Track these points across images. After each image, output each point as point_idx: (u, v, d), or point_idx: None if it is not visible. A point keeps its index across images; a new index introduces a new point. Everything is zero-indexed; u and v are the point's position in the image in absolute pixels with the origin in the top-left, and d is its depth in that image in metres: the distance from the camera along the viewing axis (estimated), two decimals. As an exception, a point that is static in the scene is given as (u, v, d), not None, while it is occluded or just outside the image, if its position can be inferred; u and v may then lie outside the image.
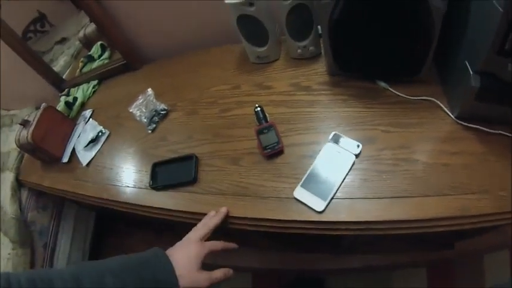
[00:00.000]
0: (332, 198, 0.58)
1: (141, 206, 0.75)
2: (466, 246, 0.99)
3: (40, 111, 0.96)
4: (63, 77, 1.29)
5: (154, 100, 0.92)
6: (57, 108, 1.07)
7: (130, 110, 0.93)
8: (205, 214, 0.63)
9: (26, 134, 0.92)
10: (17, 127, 0.97)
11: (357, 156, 0.61)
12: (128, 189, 0.80)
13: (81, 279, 0.45)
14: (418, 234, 0.54)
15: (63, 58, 1.33)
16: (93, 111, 1.08)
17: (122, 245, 1.43)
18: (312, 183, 0.60)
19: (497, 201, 0.50)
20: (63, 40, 1.31)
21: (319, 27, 0.74)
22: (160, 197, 0.73)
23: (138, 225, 1.38)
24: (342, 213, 0.56)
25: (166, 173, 0.76)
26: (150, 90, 0.94)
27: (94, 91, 1.18)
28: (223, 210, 0.62)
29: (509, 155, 0.54)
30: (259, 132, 0.67)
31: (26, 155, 1.11)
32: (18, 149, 1.07)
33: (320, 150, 0.64)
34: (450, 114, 0.61)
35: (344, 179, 0.59)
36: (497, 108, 0.54)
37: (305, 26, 0.75)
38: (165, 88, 0.97)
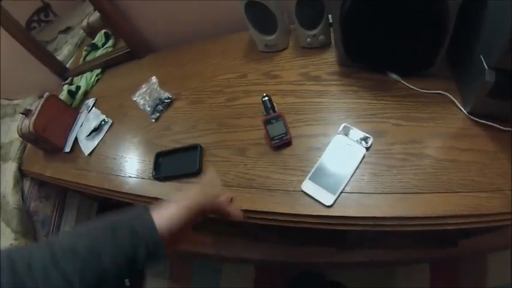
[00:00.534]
0: (341, 192, 0.56)
1: (144, 197, 0.74)
2: (470, 244, 0.98)
3: (42, 100, 0.95)
4: (67, 66, 1.28)
5: (158, 88, 0.90)
6: (59, 97, 1.06)
7: (134, 99, 0.91)
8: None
9: (28, 123, 0.91)
10: (20, 117, 0.96)
11: (367, 149, 0.60)
12: (131, 180, 0.78)
13: (54, 244, 0.40)
14: (426, 231, 0.53)
15: (66, 47, 1.32)
16: (96, 100, 1.07)
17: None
18: (321, 176, 0.59)
19: (508, 201, 0.49)
20: (67, 29, 1.30)
21: (329, 16, 0.71)
22: (164, 188, 0.72)
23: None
24: (351, 208, 0.55)
25: (170, 164, 0.75)
26: (154, 79, 0.92)
27: (97, 80, 1.16)
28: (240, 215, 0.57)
29: (521, 154, 0.53)
30: (267, 122, 0.65)
31: (28, 144, 1.10)
32: (21, 139, 1.06)
33: (329, 142, 0.62)
34: (462, 109, 0.59)
35: (354, 172, 0.58)
36: (510, 105, 0.52)
37: (315, 14, 0.73)
38: (169, 77, 0.95)
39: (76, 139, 0.98)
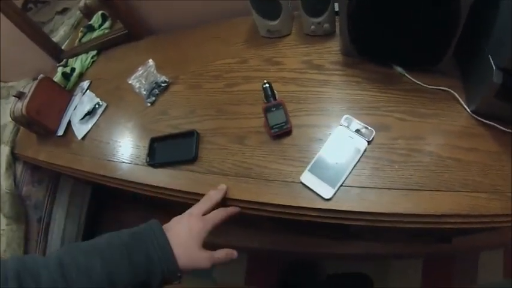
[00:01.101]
0: (341, 185, 0.55)
1: (136, 183, 0.72)
2: (464, 242, 0.99)
3: (36, 82, 0.92)
4: (62, 48, 1.25)
5: (155, 72, 0.87)
6: (54, 79, 1.02)
7: (130, 82, 0.88)
8: (204, 195, 0.59)
9: (20, 106, 0.88)
10: (12, 99, 0.93)
11: (369, 142, 0.58)
12: (124, 165, 0.76)
13: (67, 267, 0.41)
14: (426, 229, 0.52)
15: (63, 28, 1.28)
16: (90, 83, 1.04)
17: (118, 219, 1.42)
18: (320, 168, 0.57)
19: (508, 203, 0.48)
20: (64, 10, 1.26)
21: (336, 4, 0.69)
22: (158, 175, 0.70)
23: (136, 200, 1.36)
24: (350, 202, 0.53)
25: (165, 150, 0.73)
26: (151, 61, 0.89)
27: (93, 62, 1.13)
28: (222, 186, 0.60)
29: (524, 157, 0.52)
30: (267, 110, 0.63)
31: (21, 128, 1.08)
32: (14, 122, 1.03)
33: (330, 134, 0.61)
34: (467, 108, 0.58)
35: (355, 166, 0.56)
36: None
37: (321, 1, 0.70)
38: (167, 60, 0.92)
39: (69, 122, 0.95)
